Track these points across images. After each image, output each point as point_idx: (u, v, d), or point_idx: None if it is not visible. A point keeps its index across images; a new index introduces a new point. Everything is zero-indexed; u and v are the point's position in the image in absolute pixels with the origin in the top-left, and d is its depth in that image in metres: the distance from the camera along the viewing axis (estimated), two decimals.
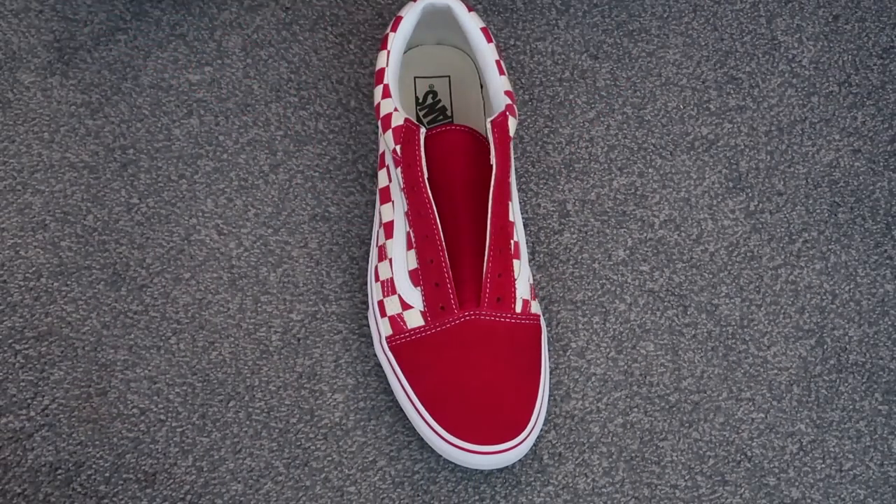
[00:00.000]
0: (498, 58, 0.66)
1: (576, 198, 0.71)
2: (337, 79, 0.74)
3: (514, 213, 0.66)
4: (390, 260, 0.64)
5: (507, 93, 0.65)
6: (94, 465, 0.65)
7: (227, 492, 0.64)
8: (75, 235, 0.69)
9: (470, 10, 0.66)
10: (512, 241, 0.64)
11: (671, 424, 0.67)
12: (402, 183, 0.64)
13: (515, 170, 0.72)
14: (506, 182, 0.64)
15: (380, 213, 0.66)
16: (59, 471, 0.64)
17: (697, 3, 0.77)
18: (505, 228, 0.63)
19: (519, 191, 0.71)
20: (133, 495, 0.64)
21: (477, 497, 0.65)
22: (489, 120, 0.62)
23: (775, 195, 0.72)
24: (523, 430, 0.61)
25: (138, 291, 0.68)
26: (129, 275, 0.69)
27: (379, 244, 0.66)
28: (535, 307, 0.65)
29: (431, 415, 0.62)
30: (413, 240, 0.63)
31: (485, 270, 0.62)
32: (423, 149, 0.63)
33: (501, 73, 0.66)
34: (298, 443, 0.65)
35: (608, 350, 0.68)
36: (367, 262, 0.69)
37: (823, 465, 0.66)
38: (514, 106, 0.65)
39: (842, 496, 0.65)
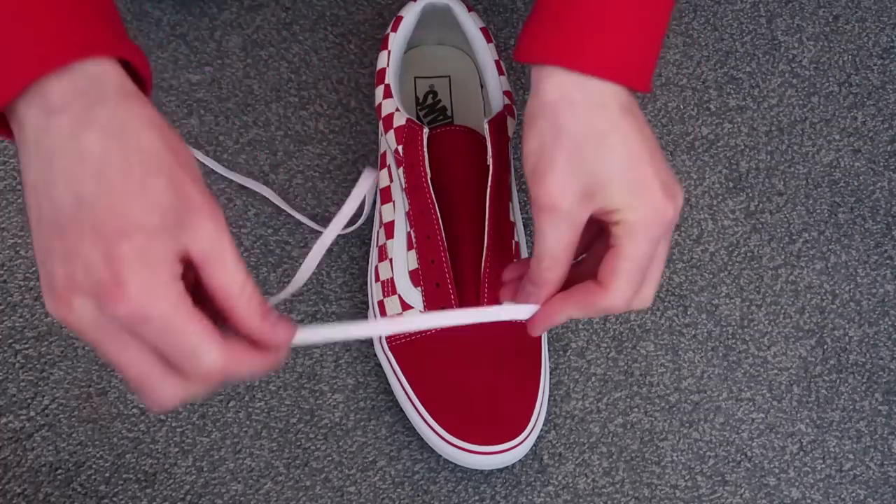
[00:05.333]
0: (497, 58, 0.66)
1: None
2: (337, 79, 0.74)
3: (514, 214, 0.66)
4: (391, 260, 0.64)
5: (505, 93, 0.65)
6: (94, 465, 0.65)
7: (227, 492, 0.64)
8: None
9: (470, 10, 0.66)
10: (513, 242, 0.64)
11: (671, 424, 0.67)
12: (403, 183, 0.64)
13: (515, 170, 0.72)
14: (505, 182, 0.64)
15: (380, 213, 0.66)
16: (59, 471, 0.64)
17: (697, 3, 0.77)
18: (505, 229, 0.63)
19: (519, 191, 0.71)
20: (133, 495, 0.64)
21: (477, 497, 0.65)
22: (487, 120, 0.62)
23: (775, 195, 0.72)
24: (523, 430, 0.61)
25: None
26: None
27: (379, 244, 0.66)
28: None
29: (431, 415, 0.62)
30: (414, 240, 0.63)
31: (482, 271, 0.62)
32: (426, 149, 0.63)
33: (501, 73, 0.66)
34: (298, 443, 0.65)
35: (608, 350, 0.68)
36: (368, 262, 0.69)
37: (823, 465, 0.66)
38: (513, 106, 0.65)
39: (842, 496, 0.65)
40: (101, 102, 0.40)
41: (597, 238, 0.53)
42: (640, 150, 0.48)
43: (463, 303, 0.63)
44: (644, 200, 0.47)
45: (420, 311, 0.63)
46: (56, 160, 0.39)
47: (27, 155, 0.40)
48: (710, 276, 0.70)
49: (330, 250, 0.70)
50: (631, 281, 0.49)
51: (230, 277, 0.42)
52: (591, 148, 0.47)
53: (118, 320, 0.40)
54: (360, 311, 0.68)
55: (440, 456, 0.65)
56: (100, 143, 0.39)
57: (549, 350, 0.68)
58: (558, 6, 0.48)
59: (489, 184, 0.63)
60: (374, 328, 0.48)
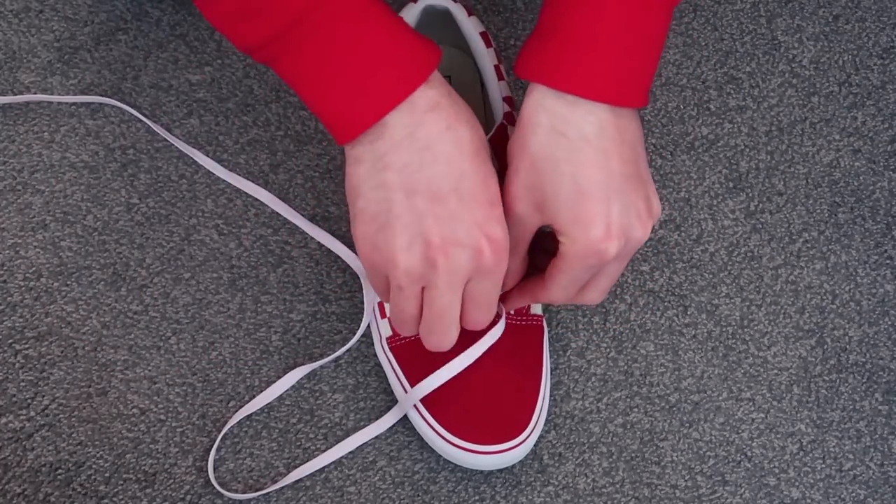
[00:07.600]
0: (497, 62, 0.66)
1: None
2: None
3: None
4: None
5: (506, 98, 0.64)
6: (94, 465, 0.65)
7: (228, 492, 0.64)
8: (75, 235, 0.69)
9: (470, 13, 0.66)
10: None
11: (671, 424, 0.67)
12: None
13: None
14: None
15: None
16: (59, 471, 0.64)
17: (697, 3, 0.77)
18: None
19: None
20: (133, 495, 0.64)
21: (477, 497, 0.65)
22: (488, 137, 0.62)
23: (775, 195, 0.72)
24: (524, 430, 0.61)
25: (138, 291, 0.68)
26: (129, 275, 0.69)
27: None
28: (537, 308, 0.65)
29: (432, 415, 0.62)
30: None
31: None
32: None
33: (500, 78, 0.65)
34: (298, 443, 0.65)
35: (608, 350, 0.68)
36: None
37: (823, 465, 0.66)
38: (514, 113, 0.64)
39: (842, 496, 0.65)
40: (459, 102, 0.51)
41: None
42: (592, 185, 0.51)
43: None
44: (582, 235, 0.51)
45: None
46: (436, 146, 0.50)
47: (395, 145, 0.50)
48: (710, 276, 0.70)
49: (330, 250, 0.70)
50: (565, 289, 0.54)
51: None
52: (546, 171, 0.51)
53: (483, 269, 0.51)
54: (359, 311, 0.68)
55: (440, 456, 0.65)
56: (469, 133, 0.51)
57: (549, 350, 0.68)
58: (548, 28, 0.51)
59: None
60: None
